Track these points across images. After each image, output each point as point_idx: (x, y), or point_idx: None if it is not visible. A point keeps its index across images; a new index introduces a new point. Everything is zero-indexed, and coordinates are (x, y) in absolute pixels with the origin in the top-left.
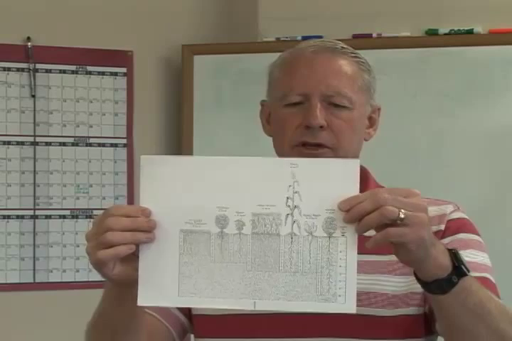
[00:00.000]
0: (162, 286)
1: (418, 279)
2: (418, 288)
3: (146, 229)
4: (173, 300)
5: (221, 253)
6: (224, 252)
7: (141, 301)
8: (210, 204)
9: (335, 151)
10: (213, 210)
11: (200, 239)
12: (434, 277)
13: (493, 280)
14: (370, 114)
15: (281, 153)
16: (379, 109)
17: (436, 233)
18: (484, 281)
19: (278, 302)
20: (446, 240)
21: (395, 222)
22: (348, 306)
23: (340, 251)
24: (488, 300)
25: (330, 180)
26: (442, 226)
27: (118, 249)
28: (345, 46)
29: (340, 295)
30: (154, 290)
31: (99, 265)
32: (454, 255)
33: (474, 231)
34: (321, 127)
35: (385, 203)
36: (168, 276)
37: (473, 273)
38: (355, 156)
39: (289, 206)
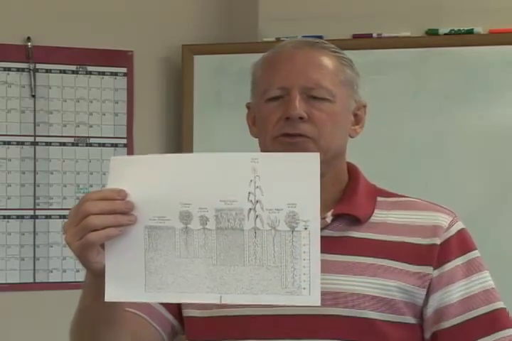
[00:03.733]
0: (129, 282)
1: None
2: (405, 297)
3: (124, 211)
4: (140, 296)
5: (186, 249)
6: (189, 247)
7: (109, 297)
8: (174, 200)
9: (316, 142)
10: (176, 206)
11: (164, 234)
12: None
13: (503, 305)
14: (355, 110)
15: (264, 148)
16: (364, 106)
17: (431, 247)
18: (498, 314)
19: (244, 296)
20: (458, 261)
21: None
22: (313, 298)
23: (304, 245)
24: None
25: (291, 174)
26: (437, 241)
27: (109, 231)
28: (325, 42)
29: (304, 288)
30: (121, 286)
31: (86, 249)
32: None
33: (475, 244)
34: (301, 118)
35: None
36: (134, 272)
37: (488, 307)
38: (340, 150)
39: (251, 201)
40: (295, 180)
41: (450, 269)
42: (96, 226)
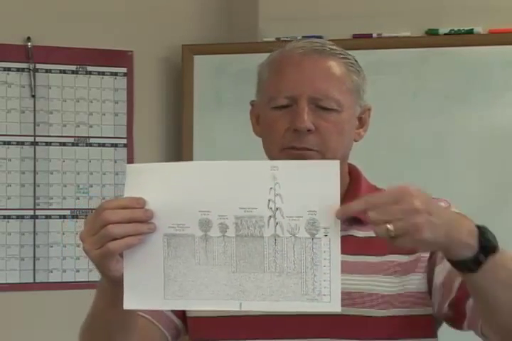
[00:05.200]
0: (148, 290)
1: (447, 259)
2: (413, 288)
3: (144, 220)
4: (159, 303)
5: (206, 256)
6: (208, 255)
7: (127, 305)
8: (193, 208)
9: (322, 154)
10: (196, 214)
11: (184, 242)
12: (461, 257)
13: None
14: (359, 114)
15: (270, 155)
16: (369, 110)
17: None
18: None
19: (264, 303)
20: None
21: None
22: (334, 305)
23: (324, 252)
24: None
25: (310, 182)
26: None
27: (129, 240)
28: (333, 47)
29: (325, 295)
30: (140, 294)
31: (106, 258)
32: (481, 234)
33: None
34: (309, 130)
35: (373, 222)
36: (153, 280)
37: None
38: (344, 158)
39: (270, 208)
40: (315, 187)
41: None
42: (116, 235)
